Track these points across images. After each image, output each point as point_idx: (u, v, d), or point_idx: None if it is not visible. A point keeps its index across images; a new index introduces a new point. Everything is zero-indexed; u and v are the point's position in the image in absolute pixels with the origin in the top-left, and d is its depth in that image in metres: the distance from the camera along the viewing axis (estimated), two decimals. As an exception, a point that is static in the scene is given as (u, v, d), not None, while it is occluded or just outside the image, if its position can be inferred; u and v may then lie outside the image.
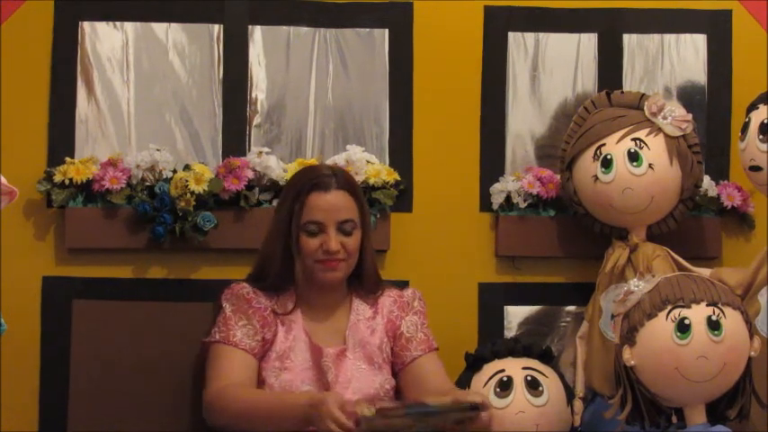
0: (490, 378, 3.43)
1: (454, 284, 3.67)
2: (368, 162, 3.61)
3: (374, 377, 3.19)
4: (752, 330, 3.25)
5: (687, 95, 3.77)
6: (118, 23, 3.62)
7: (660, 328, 3.18)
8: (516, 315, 3.72)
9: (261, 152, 3.57)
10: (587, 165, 3.54)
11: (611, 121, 3.53)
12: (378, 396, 3.14)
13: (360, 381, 3.17)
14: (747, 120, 3.49)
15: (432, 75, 3.70)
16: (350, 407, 2.82)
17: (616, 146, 3.50)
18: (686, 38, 3.79)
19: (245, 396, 3.08)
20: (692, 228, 3.68)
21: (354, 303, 3.27)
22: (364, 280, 3.25)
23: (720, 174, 3.74)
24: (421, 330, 3.26)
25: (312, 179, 3.20)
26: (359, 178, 3.57)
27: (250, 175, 3.55)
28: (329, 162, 3.59)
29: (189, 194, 3.49)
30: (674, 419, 3.25)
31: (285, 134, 3.67)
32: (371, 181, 3.59)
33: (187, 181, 3.50)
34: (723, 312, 3.18)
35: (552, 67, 3.75)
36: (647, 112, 3.52)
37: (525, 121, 3.74)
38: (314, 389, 3.13)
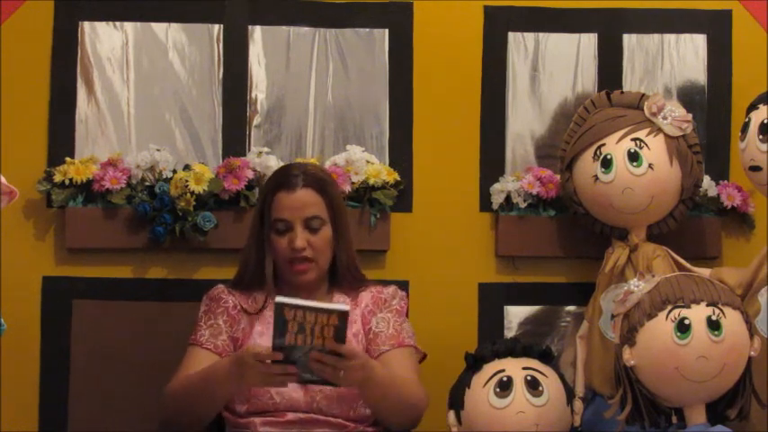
0: (490, 378, 3.42)
1: (454, 284, 3.66)
2: (368, 162, 3.61)
3: None
4: (752, 330, 3.24)
5: (687, 95, 3.77)
6: (118, 23, 3.62)
7: (660, 328, 3.17)
8: (516, 315, 3.71)
9: (261, 152, 3.58)
10: (587, 165, 3.54)
11: (611, 121, 3.53)
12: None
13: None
14: (747, 120, 3.48)
15: (432, 75, 3.69)
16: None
17: (616, 146, 3.50)
18: (686, 38, 3.79)
19: (183, 379, 3.16)
20: (692, 228, 3.68)
21: (335, 297, 3.28)
22: (339, 275, 3.27)
23: (720, 174, 3.74)
24: (393, 327, 3.25)
25: (279, 179, 3.25)
26: (359, 178, 3.57)
27: (250, 175, 3.55)
28: (329, 162, 3.60)
29: (189, 194, 3.50)
30: (674, 419, 3.24)
31: (285, 134, 3.67)
32: (371, 181, 3.59)
33: (187, 181, 3.50)
34: (723, 312, 3.18)
35: (552, 68, 3.75)
36: (647, 112, 3.52)
37: (525, 121, 3.74)
38: None
